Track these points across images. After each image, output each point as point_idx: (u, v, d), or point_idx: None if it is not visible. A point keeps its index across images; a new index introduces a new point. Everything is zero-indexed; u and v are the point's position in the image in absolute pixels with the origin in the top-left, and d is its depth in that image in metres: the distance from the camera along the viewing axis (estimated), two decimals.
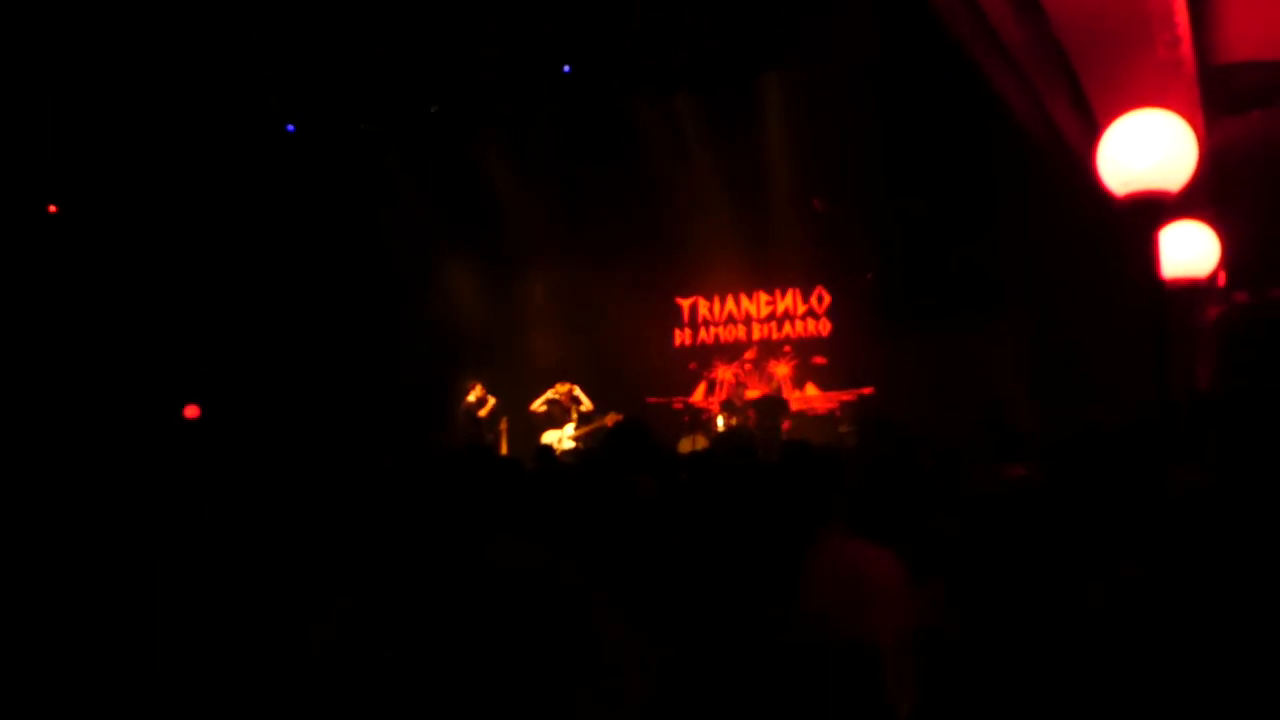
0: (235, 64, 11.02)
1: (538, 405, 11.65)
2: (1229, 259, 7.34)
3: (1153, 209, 4.20)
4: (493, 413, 11.98)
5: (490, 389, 12.23)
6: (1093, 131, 5.44)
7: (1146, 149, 4.07)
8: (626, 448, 4.02)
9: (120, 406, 11.32)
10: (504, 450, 11.90)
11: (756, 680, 2.58)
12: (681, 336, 13.88)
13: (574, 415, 11.55)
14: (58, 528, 3.15)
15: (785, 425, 11.66)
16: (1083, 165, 5.63)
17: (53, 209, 11.83)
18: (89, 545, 3.20)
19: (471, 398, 11.83)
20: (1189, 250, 5.62)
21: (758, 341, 13.47)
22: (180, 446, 11.38)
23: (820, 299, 13.16)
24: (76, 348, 11.60)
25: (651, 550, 3.06)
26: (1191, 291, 5.88)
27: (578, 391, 11.57)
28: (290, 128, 11.84)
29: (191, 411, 12.54)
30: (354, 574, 3.29)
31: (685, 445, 12.10)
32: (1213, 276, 6.60)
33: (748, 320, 13.60)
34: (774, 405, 11.51)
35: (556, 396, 11.55)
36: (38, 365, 11.07)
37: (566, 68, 11.56)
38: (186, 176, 12.02)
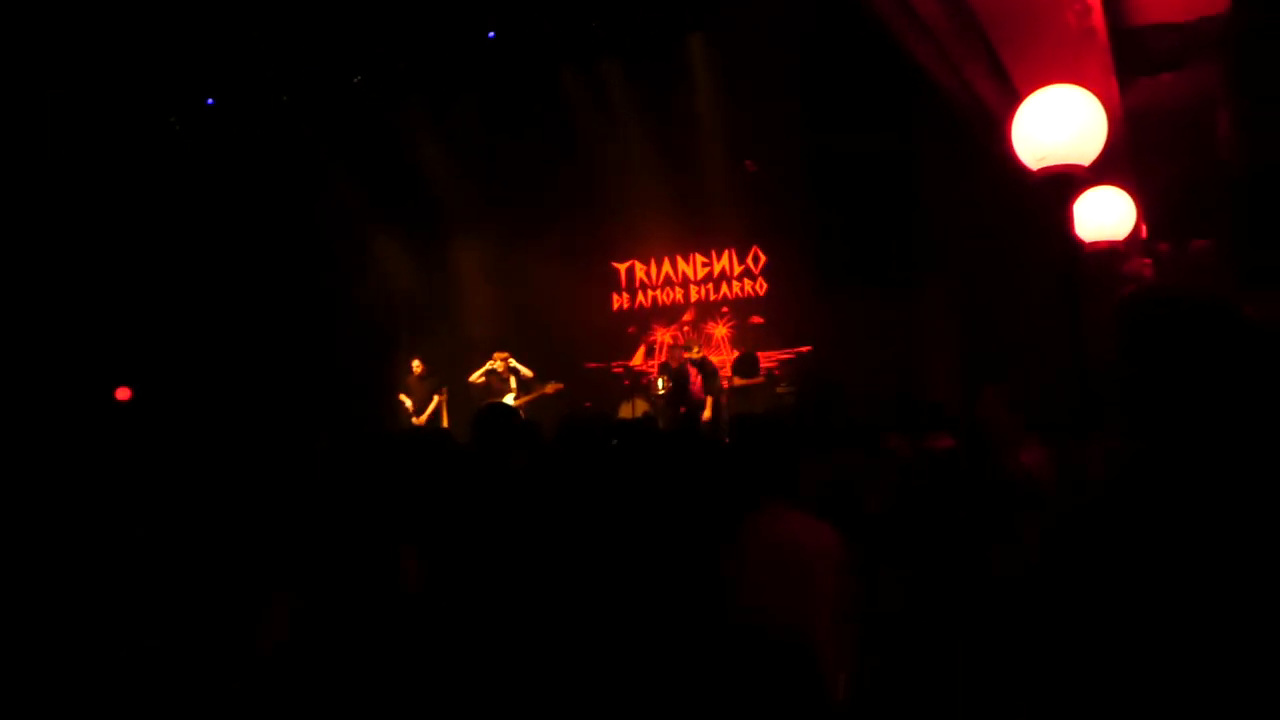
0: (153, 36, 10.68)
1: (476, 377, 11.55)
2: (1149, 212, 7.52)
3: (1066, 182, 4.26)
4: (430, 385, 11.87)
5: (426, 361, 12.14)
6: (1012, 98, 5.50)
7: (1058, 124, 4.12)
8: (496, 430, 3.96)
9: (50, 392, 11.07)
10: (445, 422, 11.84)
11: (691, 680, 2.63)
12: (619, 300, 13.87)
13: (513, 384, 11.48)
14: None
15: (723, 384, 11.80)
16: (1003, 133, 5.70)
17: None
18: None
19: (415, 370, 11.72)
20: (1106, 215, 5.72)
21: (695, 303, 13.50)
22: (112, 430, 11.19)
23: (756, 259, 13.20)
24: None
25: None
26: (1111, 253, 6.00)
27: (514, 361, 11.48)
28: (210, 101, 11.55)
29: (123, 394, 12.29)
30: (293, 567, 3.28)
31: (625, 410, 12.16)
32: (1133, 234, 6.76)
33: (685, 282, 13.61)
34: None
35: (494, 366, 11.46)
36: None
37: (491, 34, 11.36)
38: (104, 152, 11.68)
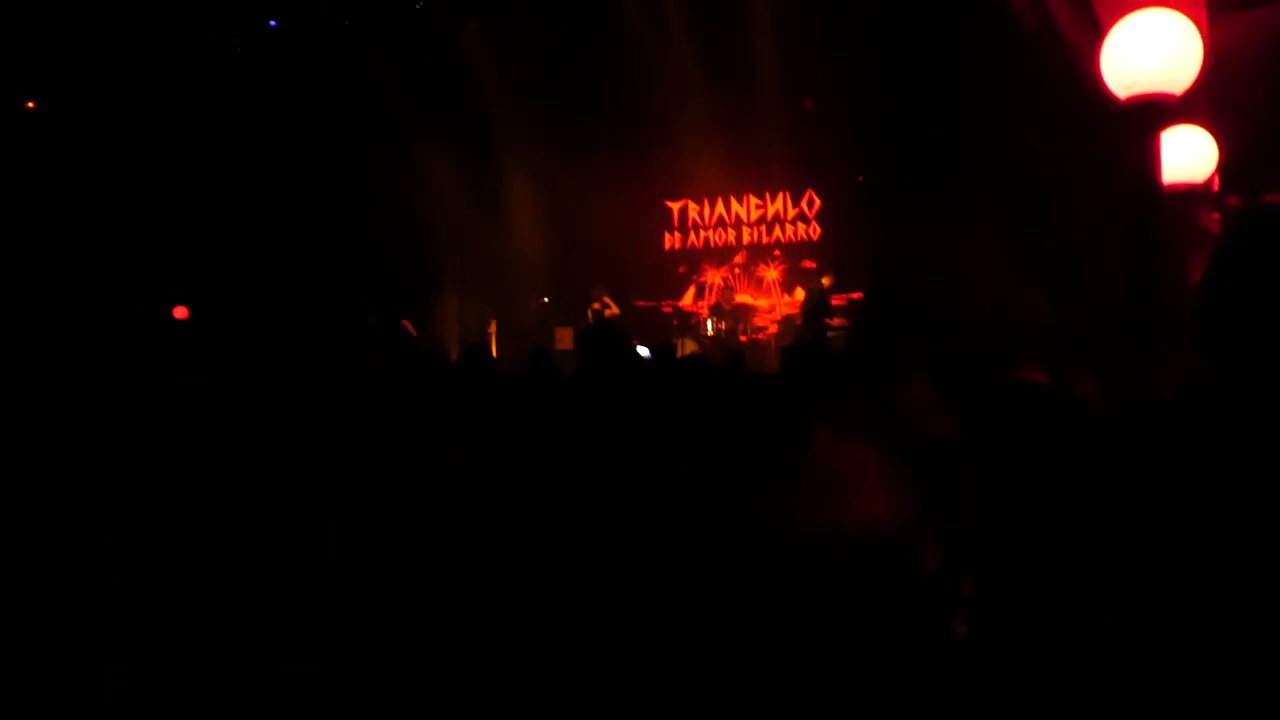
0: None
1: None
2: (1223, 161, 7.30)
3: (1155, 111, 4.14)
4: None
5: (476, 294, 12.17)
6: (1091, 27, 5.35)
7: (1152, 50, 3.99)
8: (599, 348, 3.99)
9: (104, 309, 11.24)
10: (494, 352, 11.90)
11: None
12: (671, 240, 13.81)
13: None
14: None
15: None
16: (1080, 63, 5.54)
17: (30, 105, 11.57)
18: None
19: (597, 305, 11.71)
20: (1188, 155, 5.57)
21: (747, 245, 13.41)
22: (171, 346, 11.36)
23: (811, 203, 13.06)
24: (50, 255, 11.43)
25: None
26: (1187, 196, 5.84)
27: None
28: (273, 24, 11.53)
29: (180, 312, 12.48)
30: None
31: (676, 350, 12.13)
32: (1209, 181, 6.56)
33: (738, 224, 13.52)
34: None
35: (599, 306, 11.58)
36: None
37: None
38: (162, 72, 11.69)
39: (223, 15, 11.44)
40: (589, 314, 11.59)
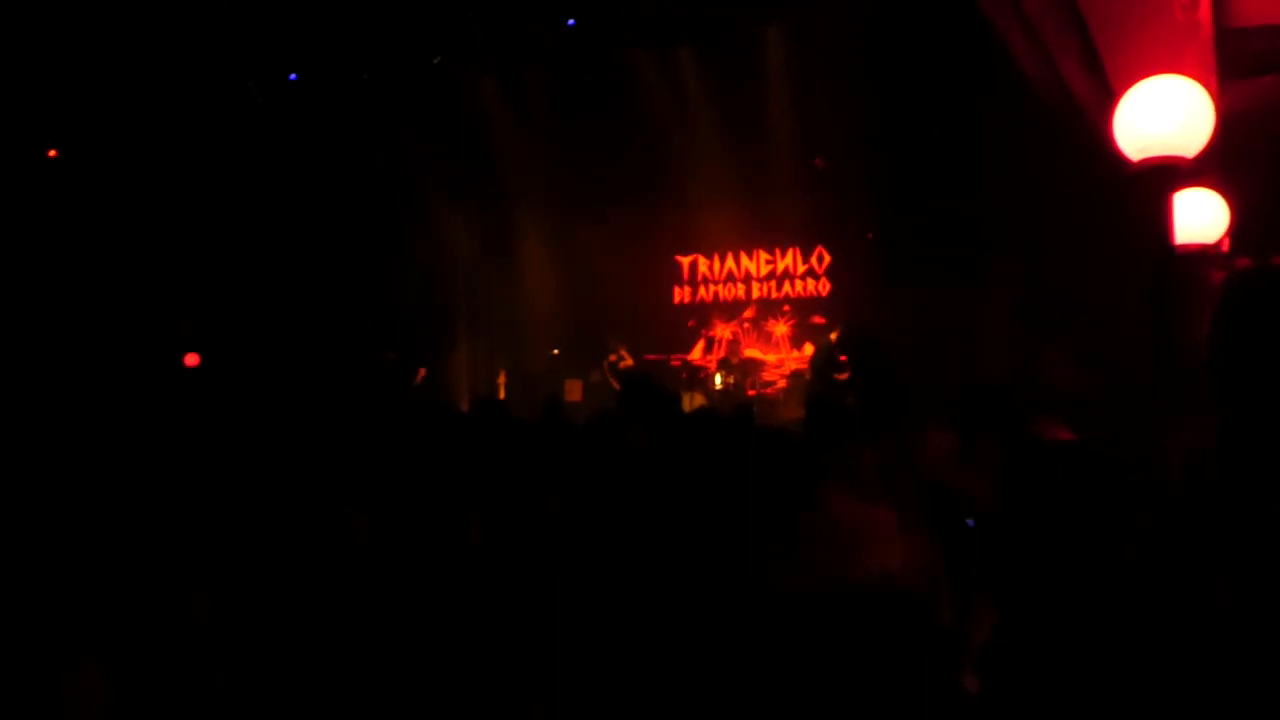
0: (235, 11, 10.86)
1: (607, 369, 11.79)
2: (1233, 224, 7.35)
3: (1167, 175, 4.18)
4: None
5: (487, 344, 12.21)
6: (1104, 91, 5.41)
7: (1164, 114, 4.04)
8: (634, 398, 4.03)
9: (117, 358, 11.26)
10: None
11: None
12: (681, 294, 13.86)
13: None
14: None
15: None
16: (1092, 125, 5.59)
17: (52, 153, 11.71)
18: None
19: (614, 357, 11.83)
20: (1200, 216, 5.61)
21: (757, 300, 13.46)
22: (181, 393, 11.36)
23: (820, 259, 13.13)
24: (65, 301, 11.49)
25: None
26: (1199, 257, 5.88)
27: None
28: (293, 76, 11.71)
29: (192, 360, 12.51)
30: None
31: (684, 403, 12.14)
32: (1219, 242, 6.61)
33: (747, 279, 13.58)
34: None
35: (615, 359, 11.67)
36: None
37: (570, 21, 11.38)
38: (177, 125, 11.83)
39: (243, 65, 11.61)
40: (605, 365, 11.63)
